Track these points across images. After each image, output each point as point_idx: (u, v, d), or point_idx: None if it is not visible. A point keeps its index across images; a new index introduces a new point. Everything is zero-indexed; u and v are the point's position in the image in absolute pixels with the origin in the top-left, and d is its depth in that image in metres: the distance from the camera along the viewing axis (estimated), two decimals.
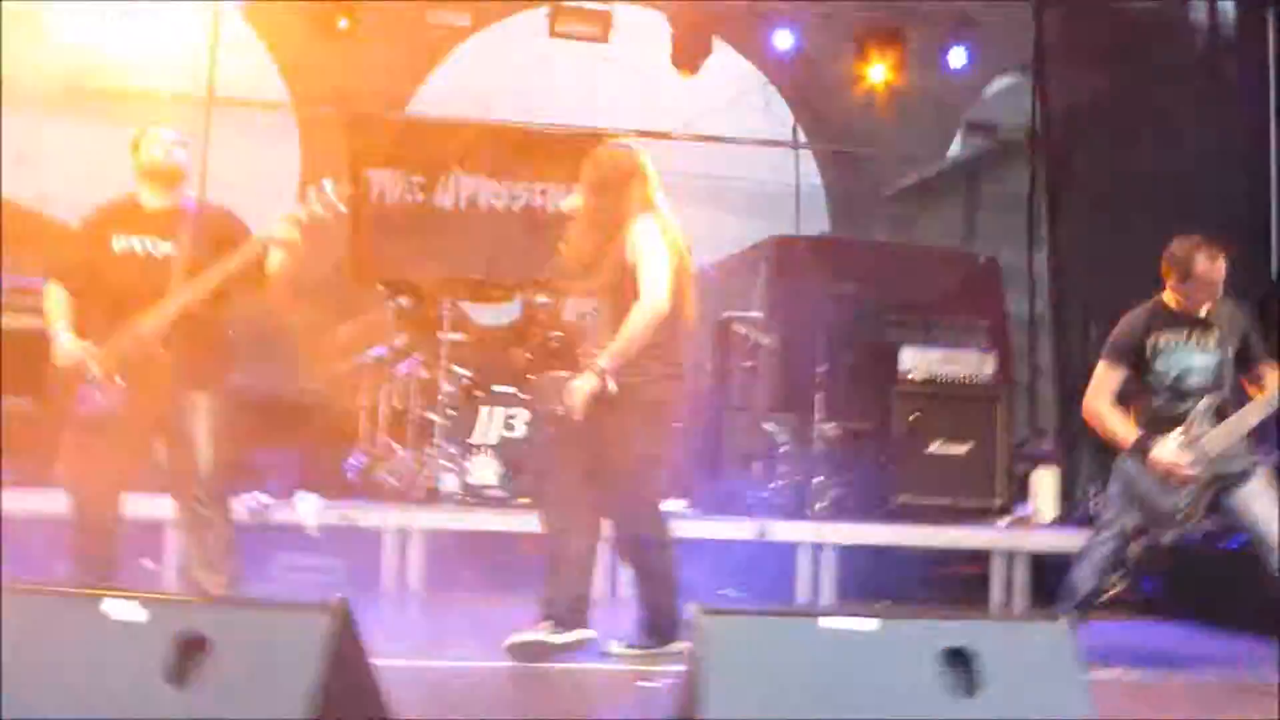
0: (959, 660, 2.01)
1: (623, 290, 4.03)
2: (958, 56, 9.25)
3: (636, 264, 4.00)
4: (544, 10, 9.03)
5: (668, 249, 4.06)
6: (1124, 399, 4.48)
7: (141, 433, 4.08)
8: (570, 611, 4.04)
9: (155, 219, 4.08)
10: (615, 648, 4.21)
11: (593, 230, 4.19)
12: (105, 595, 2.04)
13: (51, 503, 5.49)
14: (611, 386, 3.93)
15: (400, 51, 12.87)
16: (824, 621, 2.05)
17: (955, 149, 15.62)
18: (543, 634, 3.99)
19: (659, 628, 4.15)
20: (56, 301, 4.06)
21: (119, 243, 4.03)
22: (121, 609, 2.02)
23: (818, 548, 6.01)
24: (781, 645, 2.06)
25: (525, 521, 5.93)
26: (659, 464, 4.27)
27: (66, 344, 3.94)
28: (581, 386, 3.97)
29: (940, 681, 2.00)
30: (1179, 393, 4.32)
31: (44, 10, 8.94)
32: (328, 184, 3.97)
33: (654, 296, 3.96)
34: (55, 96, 8.60)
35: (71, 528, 4.07)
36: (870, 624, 2.09)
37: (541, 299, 6.95)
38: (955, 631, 2.06)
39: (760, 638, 2.07)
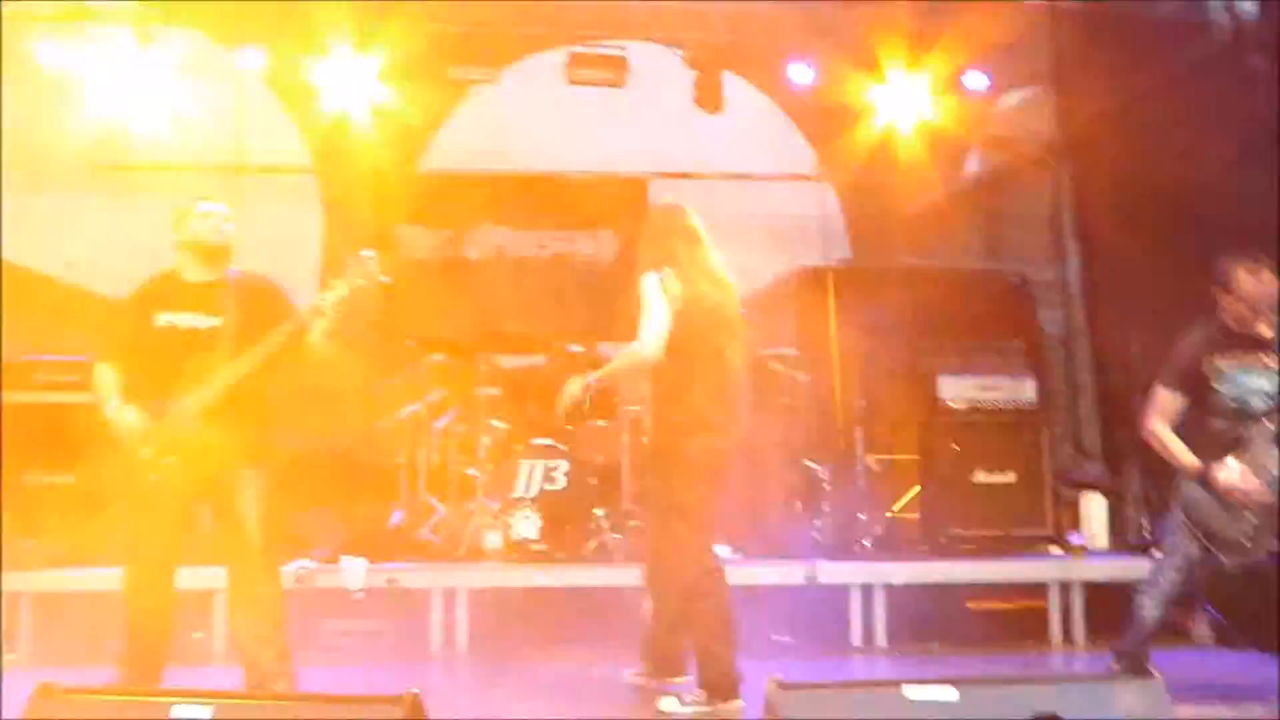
0: None
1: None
2: (976, 80, 9.19)
3: (640, 314, 4.21)
4: (559, 56, 9.07)
5: (685, 302, 4.21)
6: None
7: (190, 506, 4.10)
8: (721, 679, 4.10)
9: (198, 293, 4.10)
10: (667, 705, 4.16)
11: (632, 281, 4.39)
12: (174, 697, 2.01)
13: (97, 580, 5.57)
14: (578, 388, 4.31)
15: (419, 105, 13.02)
16: (908, 691, 1.98)
17: (972, 166, 15.57)
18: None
19: (714, 683, 4.11)
20: (107, 380, 4.08)
21: (161, 319, 4.05)
22: (191, 711, 1.99)
23: (868, 588, 5.91)
24: (864, 717, 2.00)
25: (568, 576, 5.92)
26: (688, 514, 4.25)
27: (126, 420, 3.94)
28: (567, 388, 4.36)
29: None
30: (1241, 415, 4.23)
31: (75, 86, 9.08)
32: (368, 254, 3.98)
33: (638, 343, 4.19)
34: (86, 172, 8.68)
35: (124, 602, 4.05)
36: (951, 693, 2.02)
37: (575, 348, 6.94)
38: (1042, 696, 1.99)
39: (841, 712, 2.01)
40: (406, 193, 8.73)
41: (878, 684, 2.06)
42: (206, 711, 1.95)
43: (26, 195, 10.07)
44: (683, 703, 4.14)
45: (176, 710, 1.98)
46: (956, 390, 7.10)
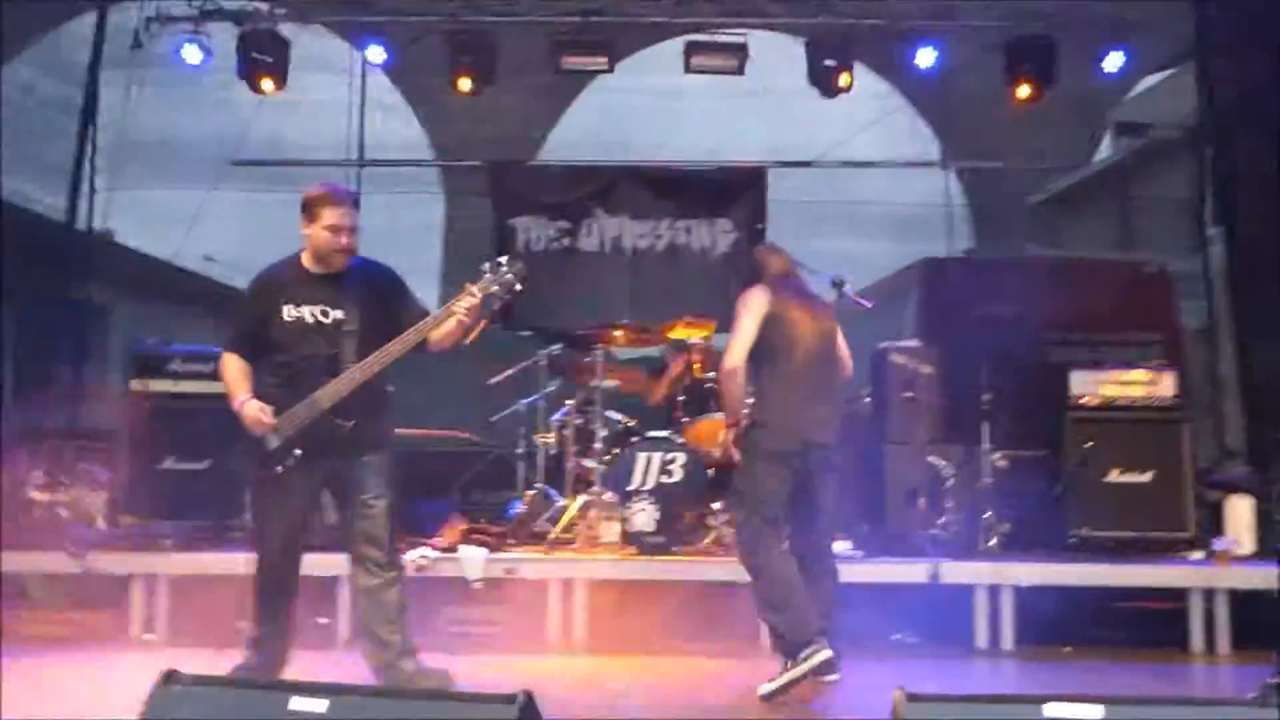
0: None
1: None
2: (1114, 60, 8.77)
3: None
4: (677, 45, 9.00)
5: (768, 315, 4.77)
6: None
7: (316, 495, 4.19)
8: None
9: (323, 286, 4.11)
10: (763, 688, 4.40)
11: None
12: (290, 691, 2.01)
13: (230, 563, 5.74)
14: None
15: (531, 98, 13.14)
16: (1049, 710, 1.85)
17: (1104, 152, 14.97)
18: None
19: (788, 650, 4.42)
20: (235, 371, 4.15)
21: (288, 311, 4.09)
22: (307, 704, 1.98)
23: (995, 589, 5.69)
24: None
25: (684, 569, 5.86)
26: (743, 499, 4.73)
27: (252, 412, 4.01)
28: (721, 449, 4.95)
29: None
30: None
31: (208, 84, 9.41)
32: (504, 261, 3.96)
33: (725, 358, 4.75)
34: (217, 167, 8.99)
35: (253, 587, 4.14)
36: (1095, 711, 1.88)
37: (694, 339, 6.87)
38: (1198, 718, 1.84)
39: None
40: (524, 184, 8.76)
41: (1015, 699, 1.92)
42: (322, 705, 1.94)
43: (163, 190, 10.52)
44: (772, 681, 4.39)
45: (294, 703, 1.97)
46: (1090, 385, 6.79)
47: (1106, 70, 8.91)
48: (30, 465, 7.12)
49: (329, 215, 4.05)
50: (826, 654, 4.34)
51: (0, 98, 9.28)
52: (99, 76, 8.67)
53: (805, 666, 4.32)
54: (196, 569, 5.86)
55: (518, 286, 3.96)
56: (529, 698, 1.95)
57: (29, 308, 9.11)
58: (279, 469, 3.97)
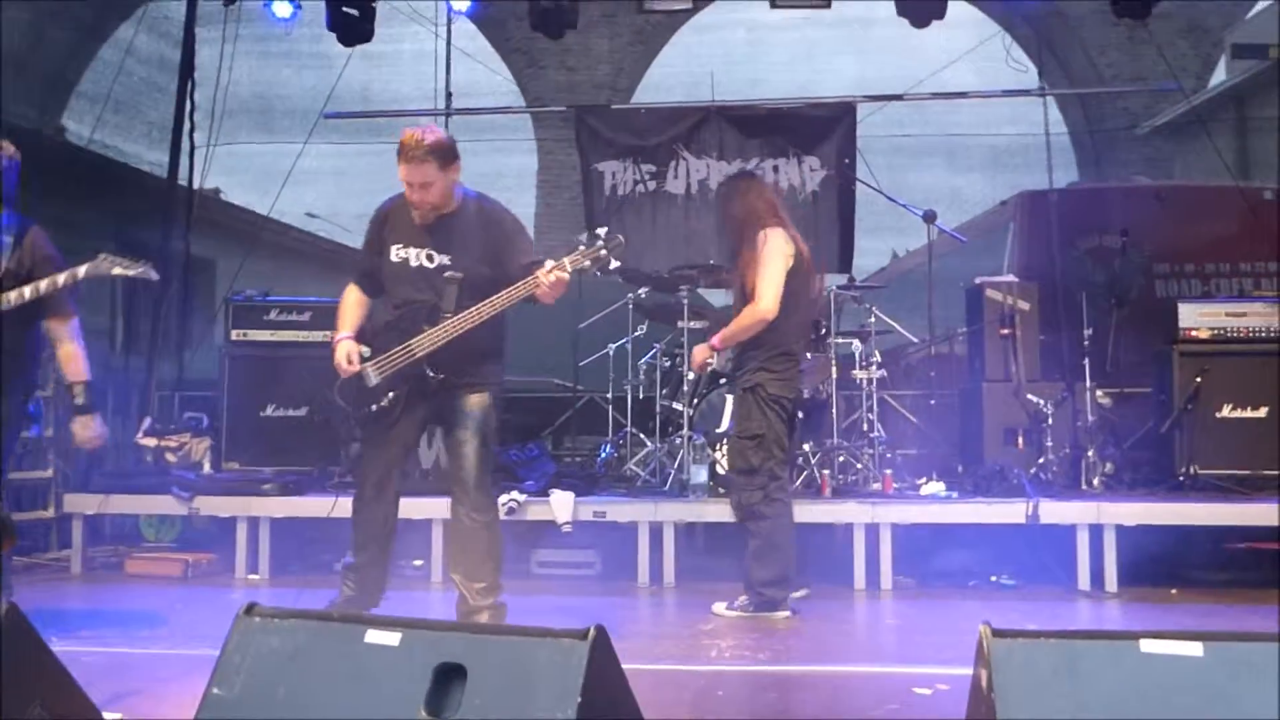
0: None
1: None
2: None
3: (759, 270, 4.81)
4: None
5: (792, 257, 4.87)
6: None
7: (415, 434, 4.21)
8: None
9: (433, 228, 4.03)
10: (718, 607, 4.83)
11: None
12: (366, 624, 2.03)
13: (323, 506, 5.90)
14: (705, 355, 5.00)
15: (621, 43, 13.02)
16: (1145, 645, 1.76)
17: (1218, 76, 14.21)
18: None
19: (759, 600, 4.74)
20: (347, 303, 4.20)
21: (395, 251, 4.07)
22: (382, 637, 2.00)
23: (1097, 528, 5.51)
24: (1092, 674, 1.79)
25: None
26: (761, 442, 4.82)
27: (340, 353, 4.05)
28: (695, 355, 5.09)
29: None
30: None
31: (297, 40, 9.52)
32: (602, 236, 3.85)
33: (762, 302, 4.76)
34: (311, 120, 9.09)
35: (352, 519, 4.18)
36: (1195, 648, 1.79)
37: None
38: None
39: (1064, 665, 1.81)
40: (609, 128, 8.67)
41: (1109, 635, 1.84)
42: (395, 638, 1.95)
43: (260, 144, 10.72)
44: (729, 607, 4.81)
45: (369, 636, 1.99)
46: (1199, 318, 6.50)
47: None
48: (140, 413, 7.41)
49: (400, 170, 3.98)
50: (787, 613, 4.77)
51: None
52: (195, 34, 8.83)
53: (770, 621, 4.70)
54: (297, 511, 6.02)
55: (613, 265, 3.86)
56: (601, 632, 1.93)
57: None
58: (372, 408, 3.99)
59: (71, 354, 4.29)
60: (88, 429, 4.30)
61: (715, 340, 4.91)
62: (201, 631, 4.08)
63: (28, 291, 4.05)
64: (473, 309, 3.90)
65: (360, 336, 4.14)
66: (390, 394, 3.97)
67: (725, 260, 5.85)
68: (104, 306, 11.45)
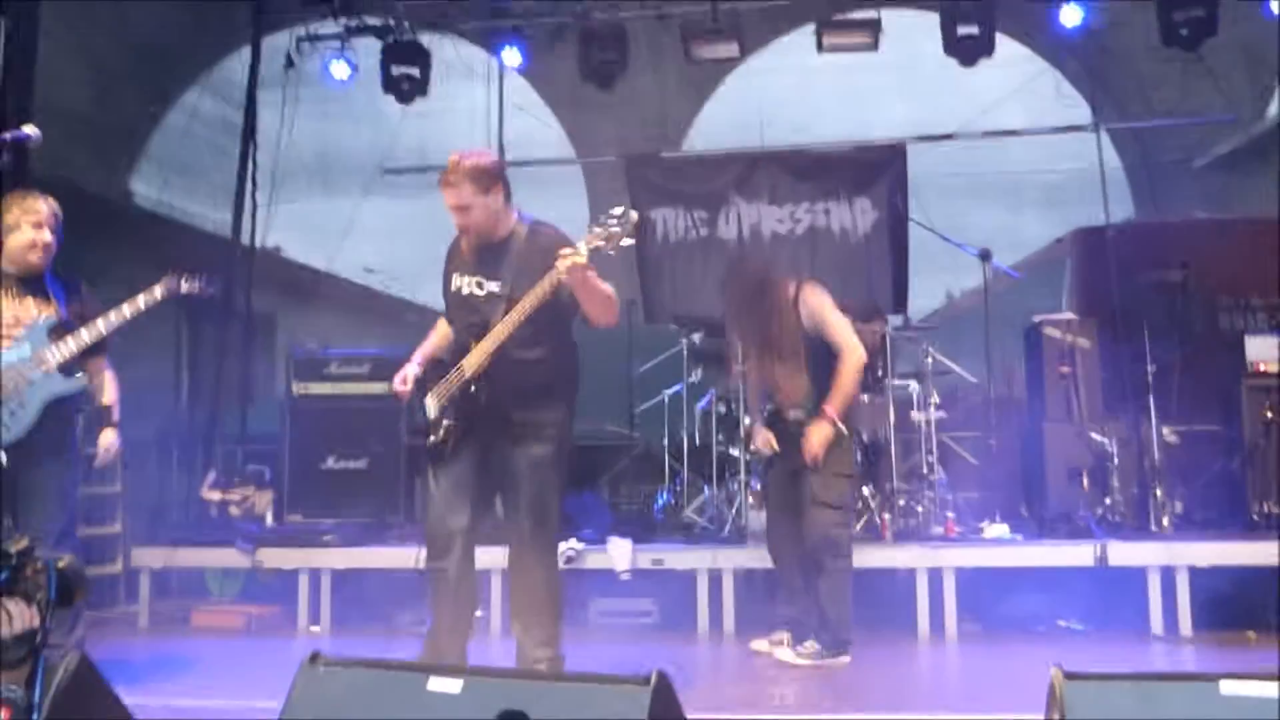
0: None
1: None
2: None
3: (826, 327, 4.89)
4: (811, 29, 8.84)
5: None
6: None
7: (477, 475, 3.96)
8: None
9: (486, 255, 3.99)
10: (784, 654, 4.81)
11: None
12: (429, 672, 2.03)
13: (383, 558, 5.94)
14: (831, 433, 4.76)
15: (670, 91, 13.15)
16: (1225, 687, 1.71)
17: (1275, 106, 13.98)
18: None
19: (828, 642, 4.72)
20: (431, 336, 4.22)
21: (455, 280, 4.07)
22: (444, 684, 2.01)
23: (1169, 570, 5.37)
24: (1168, 716, 1.74)
25: None
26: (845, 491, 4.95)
27: (398, 374, 4.05)
28: (819, 436, 4.75)
29: None
30: None
31: (355, 100, 9.76)
32: (617, 210, 3.80)
33: (853, 352, 4.82)
34: (369, 177, 9.30)
35: (426, 578, 3.99)
36: (1275, 689, 1.73)
37: None
38: None
39: (1139, 708, 1.76)
40: (660, 176, 8.77)
41: (1186, 677, 1.79)
42: (457, 685, 1.96)
43: (320, 202, 10.97)
44: (797, 653, 4.76)
45: (432, 684, 2.00)
46: (1268, 351, 6.35)
47: (1276, 12, 8.28)
48: (204, 467, 7.55)
49: (444, 197, 3.98)
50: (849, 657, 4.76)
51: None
52: (256, 97, 9.09)
53: (834, 663, 4.69)
54: (358, 563, 6.07)
55: (625, 241, 3.72)
56: (663, 678, 1.92)
57: (199, 320, 9.62)
58: (431, 439, 3.90)
59: (110, 379, 4.52)
60: (111, 439, 4.48)
61: (834, 411, 4.76)
62: (263, 684, 4.11)
63: (95, 330, 4.19)
64: (506, 318, 3.80)
65: (429, 365, 4.11)
66: (445, 423, 3.87)
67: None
68: (170, 361, 11.72)
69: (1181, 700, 1.76)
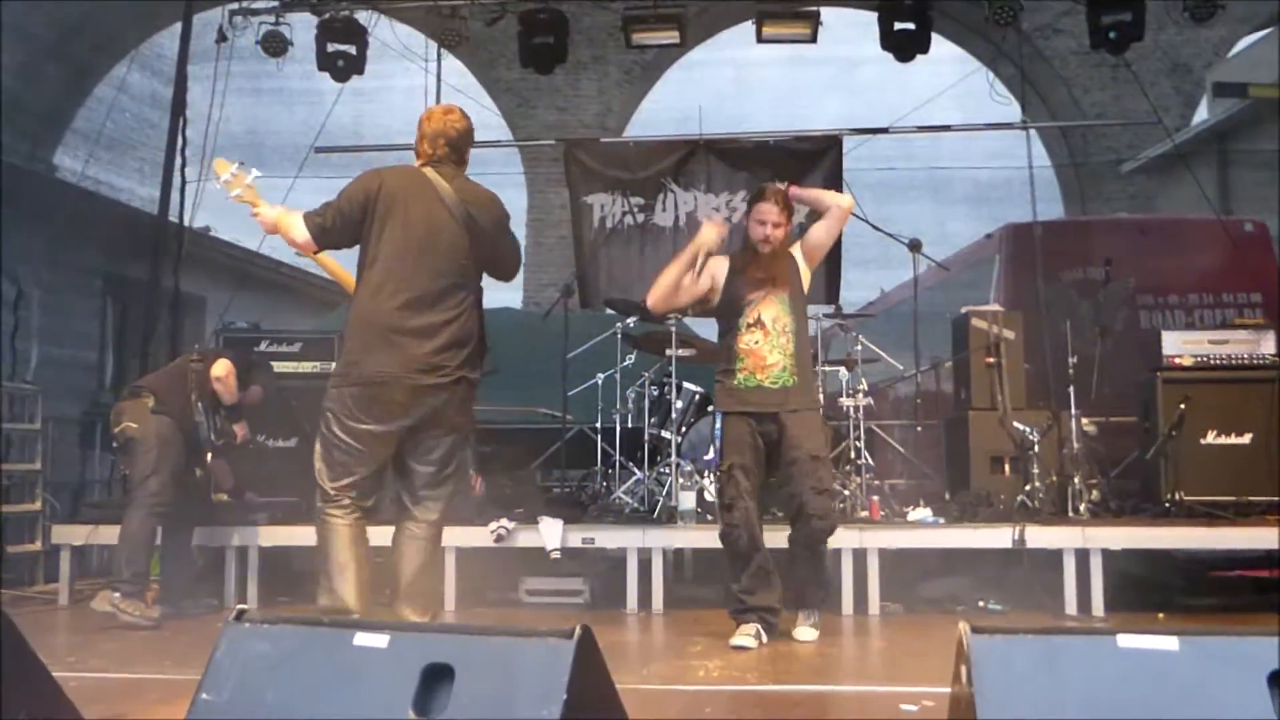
0: None
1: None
2: (1201, 12, 8.38)
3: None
4: (750, 25, 8.92)
5: None
6: None
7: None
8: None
9: None
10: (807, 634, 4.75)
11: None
12: (354, 628, 2.05)
13: (313, 536, 5.88)
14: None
15: (611, 83, 13.19)
16: (1123, 640, 1.79)
17: (1200, 114, 14.42)
18: None
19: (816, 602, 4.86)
20: None
21: None
22: (370, 639, 2.02)
23: (1084, 553, 5.54)
24: (1070, 669, 1.82)
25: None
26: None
27: None
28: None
29: (1269, 710, 1.71)
30: None
31: (288, 77, 9.62)
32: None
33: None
34: (301, 156, 9.16)
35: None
36: (1169, 642, 1.82)
37: None
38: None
39: (1043, 660, 1.83)
40: (597, 162, 8.77)
41: (1087, 631, 1.87)
42: (383, 640, 1.97)
43: (251, 180, 10.77)
44: (813, 626, 4.78)
45: (358, 639, 2.01)
46: (1183, 345, 6.57)
47: (1201, 24, 8.53)
48: None
49: None
50: None
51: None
52: (187, 72, 8.91)
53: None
54: (286, 541, 6.02)
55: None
56: (587, 631, 1.95)
57: (126, 301, 9.44)
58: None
59: None
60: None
61: (795, 191, 4.95)
62: (188, 657, 4.07)
63: None
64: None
65: None
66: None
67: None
68: (93, 342, 11.47)
69: (1081, 652, 1.83)
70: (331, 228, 4.00)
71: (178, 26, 9.14)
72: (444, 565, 5.74)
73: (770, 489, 4.99)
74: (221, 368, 5.64)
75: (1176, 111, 13.27)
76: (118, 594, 5.18)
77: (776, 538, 4.83)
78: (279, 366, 6.93)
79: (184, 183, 8.84)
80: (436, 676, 1.94)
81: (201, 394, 5.61)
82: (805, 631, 4.73)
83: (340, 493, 3.90)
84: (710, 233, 4.82)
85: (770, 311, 4.71)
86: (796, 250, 4.88)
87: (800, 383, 4.69)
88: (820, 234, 4.87)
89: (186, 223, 8.98)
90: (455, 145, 4.15)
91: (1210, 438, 6.34)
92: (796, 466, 4.58)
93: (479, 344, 4.07)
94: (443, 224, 3.99)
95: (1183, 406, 6.34)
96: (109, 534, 6.16)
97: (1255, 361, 6.45)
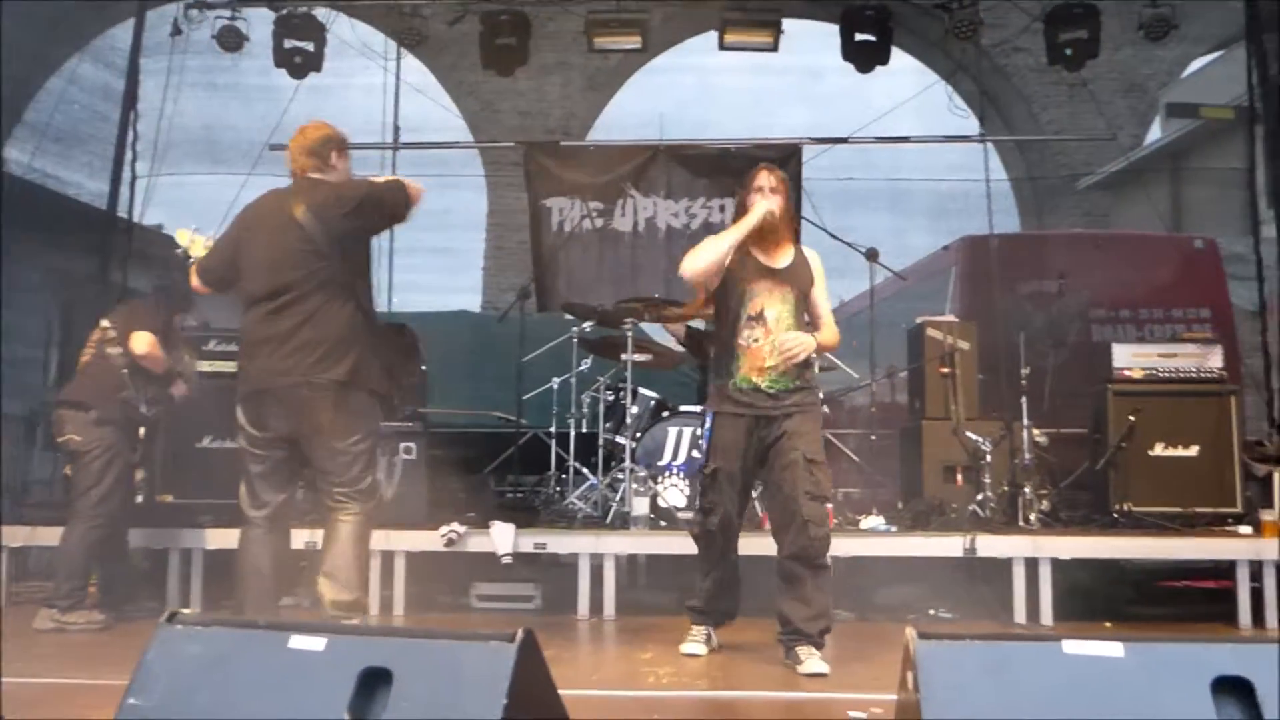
0: (1233, 692, 1.71)
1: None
2: (1156, 30, 8.52)
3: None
4: (713, 34, 8.94)
5: None
6: None
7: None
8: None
9: None
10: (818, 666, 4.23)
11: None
12: (290, 630, 1.99)
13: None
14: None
15: (574, 89, 13.15)
16: (1068, 647, 1.78)
17: (1153, 134, 14.67)
18: None
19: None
20: None
21: None
22: (306, 642, 1.97)
23: (1033, 563, 5.57)
24: (1016, 675, 1.80)
25: None
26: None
27: None
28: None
29: (1211, 715, 1.70)
30: None
31: (244, 72, 9.50)
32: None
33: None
34: (256, 152, 9.03)
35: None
36: (1116, 649, 1.81)
37: None
38: (1226, 658, 1.76)
39: (989, 666, 1.82)
40: (557, 165, 8.73)
41: (1033, 637, 1.86)
42: (320, 643, 1.92)
43: (203, 176, 10.62)
44: (821, 657, 4.26)
45: (293, 641, 1.95)
46: (1133, 358, 6.66)
47: (1155, 43, 8.67)
48: None
49: None
50: None
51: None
52: (139, 64, 8.76)
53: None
54: (232, 544, 5.88)
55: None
56: (529, 635, 1.91)
57: (71, 293, 9.25)
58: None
59: None
60: None
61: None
62: (126, 660, 3.97)
63: None
64: None
65: None
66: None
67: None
68: (39, 339, 11.21)
69: (1027, 659, 1.82)
70: (211, 266, 4.35)
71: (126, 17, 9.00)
72: (394, 569, 5.69)
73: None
74: (142, 343, 5.29)
75: (1131, 130, 13.48)
76: (56, 609, 5.08)
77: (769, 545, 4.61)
78: (228, 366, 6.79)
79: (134, 177, 8.69)
80: (375, 680, 1.89)
81: (133, 374, 5.39)
82: (816, 664, 4.20)
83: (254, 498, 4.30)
84: (768, 203, 4.51)
85: (774, 309, 4.44)
86: (815, 260, 4.67)
87: (800, 384, 4.47)
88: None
89: (136, 218, 8.83)
90: (315, 152, 4.34)
91: (1159, 450, 6.42)
92: (791, 470, 4.31)
93: (340, 345, 4.15)
94: (289, 236, 4.17)
95: (1132, 418, 6.42)
96: (49, 535, 6.04)
97: (1203, 375, 6.55)
